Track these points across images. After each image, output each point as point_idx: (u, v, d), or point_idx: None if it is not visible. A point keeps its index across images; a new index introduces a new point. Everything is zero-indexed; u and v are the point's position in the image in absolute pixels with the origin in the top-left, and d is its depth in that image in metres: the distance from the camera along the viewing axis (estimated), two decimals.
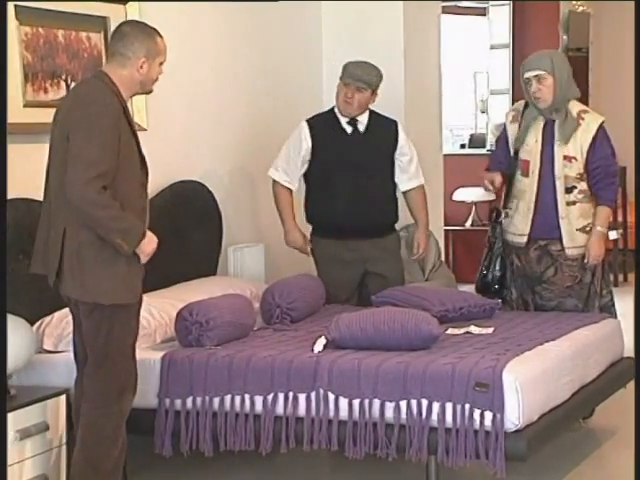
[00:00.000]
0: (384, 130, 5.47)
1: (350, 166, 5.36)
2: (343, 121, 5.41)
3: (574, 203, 5.11)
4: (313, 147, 5.40)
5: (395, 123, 5.53)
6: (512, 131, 5.22)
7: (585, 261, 5.12)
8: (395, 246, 5.60)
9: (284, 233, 5.50)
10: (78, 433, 3.92)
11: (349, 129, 5.42)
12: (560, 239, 5.14)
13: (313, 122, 5.45)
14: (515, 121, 5.21)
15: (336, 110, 5.43)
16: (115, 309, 3.80)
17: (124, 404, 3.91)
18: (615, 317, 5.26)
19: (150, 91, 4.00)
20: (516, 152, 5.18)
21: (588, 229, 5.14)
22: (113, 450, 3.91)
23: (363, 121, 5.42)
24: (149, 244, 3.83)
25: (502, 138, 5.30)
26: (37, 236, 3.90)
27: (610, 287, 5.37)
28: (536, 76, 5.02)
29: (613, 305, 5.32)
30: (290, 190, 5.47)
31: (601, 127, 5.11)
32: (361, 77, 5.30)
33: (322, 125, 5.43)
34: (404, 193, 5.57)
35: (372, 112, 5.44)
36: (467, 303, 5.02)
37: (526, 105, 5.18)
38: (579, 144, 5.09)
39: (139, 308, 3.94)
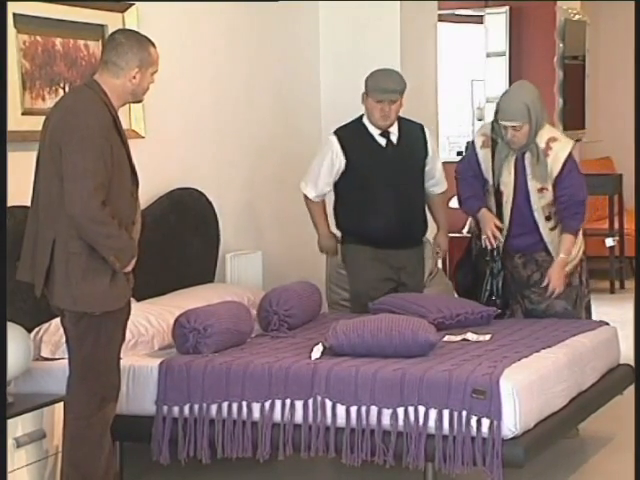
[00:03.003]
0: (415, 138, 5.44)
1: (388, 179, 5.32)
2: (375, 133, 5.35)
3: (555, 227, 5.18)
4: (347, 162, 5.34)
5: (422, 127, 5.50)
6: (483, 157, 5.23)
7: (545, 284, 5.10)
8: (422, 257, 5.58)
9: (318, 238, 5.55)
10: (64, 445, 3.92)
11: (383, 141, 5.36)
12: (545, 249, 5.20)
13: (343, 136, 5.37)
14: (485, 146, 5.22)
15: (366, 122, 5.36)
16: (103, 317, 3.81)
17: (107, 412, 3.90)
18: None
19: (141, 100, 4.01)
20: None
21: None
22: (100, 458, 3.91)
23: (395, 131, 5.36)
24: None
25: (471, 158, 5.28)
26: (24, 244, 3.91)
27: (590, 287, 5.45)
28: (513, 126, 5.02)
29: (590, 304, 5.43)
30: (323, 201, 5.50)
31: (569, 156, 5.10)
32: (393, 88, 5.26)
33: (354, 139, 5.36)
34: (429, 196, 5.55)
35: (400, 118, 5.39)
36: (464, 310, 5.03)
37: (493, 127, 5.18)
38: (547, 174, 5.10)
39: (127, 318, 3.94)
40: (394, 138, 5.37)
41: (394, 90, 5.27)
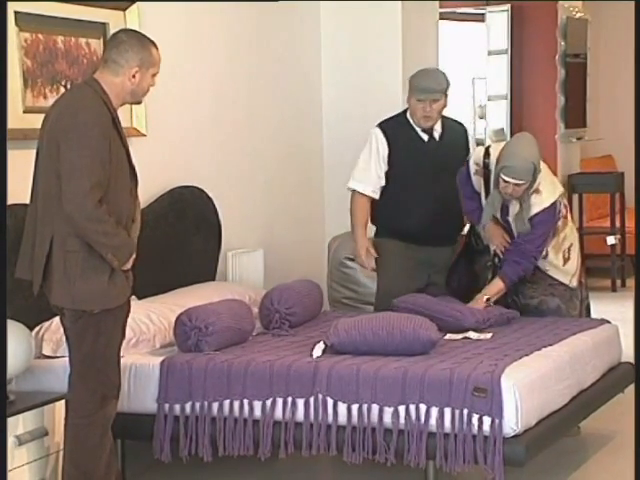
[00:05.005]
0: (457, 136, 5.42)
1: (427, 174, 5.29)
2: (418, 129, 5.31)
3: (547, 254, 5.17)
4: (390, 154, 5.31)
5: (464, 128, 5.50)
6: (476, 182, 5.26)
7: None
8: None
9: (354, 239, 5.37)
10: (65, 443, 3.92)
11: (425, 137, 5.31)
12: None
13: (387, 128, 5.34)
14: (478, 175, 5.24)
15: (409, 117, 5.31)
16: (102, 315, 3.81)
17: (108, 410, 3.90)
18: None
19: (140, 102, 4.01)
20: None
21: (567, 254, 5.21)
22: (102, 456, 3.91)
23: (438, 128, 5.33)
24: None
25: (468, 179, 5.28)
26: (23, 241, 3.91)
27: (588, 287, 5.46)
28: (516, 183, 5.00)
29: (590, 307, 5.45)
30: (370, 199, 5.34)
31: (542, 211, 5.06)
32: (434, 88, 5.19)
33: (397, 132, 5.32)
34: None
35: (443, 117, 5.36)
36: (492, 314, 4.98)
37: (486, 152, 5.19)
38: (527, 221, 5.11)
39: (126, 316, 3.94)
40: (436, 135, 5.34)
41: (435, 90, 5.19)
